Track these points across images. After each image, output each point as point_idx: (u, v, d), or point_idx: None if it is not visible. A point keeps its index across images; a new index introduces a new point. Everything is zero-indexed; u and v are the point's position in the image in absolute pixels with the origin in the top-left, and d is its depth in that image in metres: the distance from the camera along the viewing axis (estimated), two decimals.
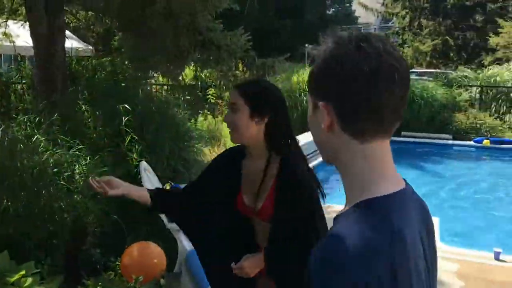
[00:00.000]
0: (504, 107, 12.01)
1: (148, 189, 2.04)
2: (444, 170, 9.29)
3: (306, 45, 31.47)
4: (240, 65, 4.54)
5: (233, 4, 5.41)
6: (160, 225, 3.88)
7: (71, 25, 9.40)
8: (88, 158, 3.82)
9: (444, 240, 4.93)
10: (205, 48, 4.24)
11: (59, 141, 3.81)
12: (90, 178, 1.84)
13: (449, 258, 4.36)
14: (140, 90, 5.53)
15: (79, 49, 9.85)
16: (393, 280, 0.76)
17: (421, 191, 7.72)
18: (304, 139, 9.48)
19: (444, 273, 4.03)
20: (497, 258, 4.37)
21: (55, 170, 3.46)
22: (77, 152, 3.80)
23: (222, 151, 2.20)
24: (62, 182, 3.43)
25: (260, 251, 1.86)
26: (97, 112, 4.71)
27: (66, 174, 3.52)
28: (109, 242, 3.66)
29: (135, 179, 4.18)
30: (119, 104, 4.70)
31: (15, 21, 8.20)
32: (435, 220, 5.34)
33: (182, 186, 4.43)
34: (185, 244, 3.74)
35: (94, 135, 4.53)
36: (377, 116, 0.86)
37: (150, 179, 4.16)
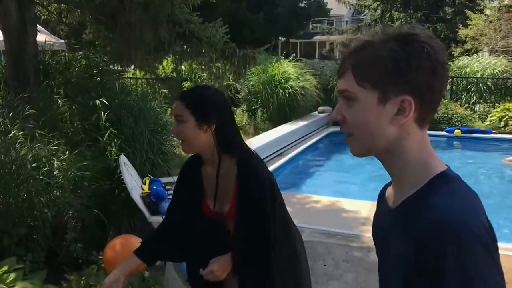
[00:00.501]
0: (474, 97, 12.31)
1: (135, 253, 2.02)
2: None
3: (280, 37, 31.50)
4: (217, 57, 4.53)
5: None
6: (141, 219, 3.88)
7: (41, 18, 9.19)
8: (67, 152, 3.77)
9: None
10: (185, 40, 4.23)
11: (36, 135, 3.75)
12: None
13: None
14: (116, 84, 5.47)
15: (51, 42, 9.65)
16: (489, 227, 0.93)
17: None
18: (282, 130, 9.48)
19: None
20: None
21: (34, 165, 3.41)
22: (55, 147, 3.75)
23: None
24: (41, 177, 3.38)
25: None
26: (74, 107, 4.64)
27: (45, 169, 3.47)
28: (91, 236, 3.64)
29: (114, 173, 4.16)
30: (96, 98, 4.65)
31: None
32: None
33: (162, 179, 4.44)
34: None
35: (72, 129, 4.47)
36: (438, 105, 0.99)
37: (130, 173, 4.15)
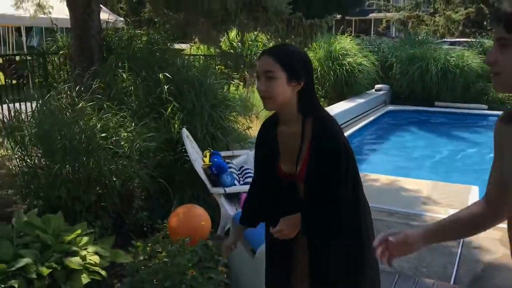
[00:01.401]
0: None
1: (240, 222, 2.20)
2: (480, 140, 9.12)
3: (335, 14, 30.92)
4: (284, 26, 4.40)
5: None
6: (203, 189, 3.95)
7: None
8: (133, 124, 3.88)
9: None
10: (251, 10, 4.18)
11: (104, 106, 3.87)
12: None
13: None
14: (178, 59, 5.55)
15: (111, 20, 9.89)
16: None
17: (458, 160, 7.67)
18: (339, 108, 9.38)
19: (487, 240, 4.01)
20: None
21: (102, 135, 3.53)
22: (122, 119, 3.86)
23: (254, 120, 2.27)
24: (110, 146, 3.50)
25: None
26: (138, 81, 4.75)
27: (113, 139, 3.58)
28: (156, 205, 3.74)
29: (178, 145, 4.24)
30: (158, 72, 4.74)
31: None
32: (475, 189, 5.28)
33: (221, 153, 4.49)
34: (227, 208, 3.81)
35: (137, 102, 4.59)
36: None
37: (192, 145, 4.22)
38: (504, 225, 4.32)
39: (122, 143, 3.70)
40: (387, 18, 35.32)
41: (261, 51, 2.11)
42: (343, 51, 10.50)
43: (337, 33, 11.65)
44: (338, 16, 31.81)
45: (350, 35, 12.03)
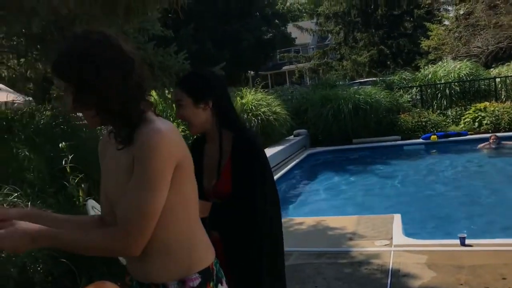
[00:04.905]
0: (445, 102, 12.42)
1: None
2: (398, 169, 9.45)
3: (249, 71, 31.82)
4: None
5: (167, 31, 5.29)
6: (118, 263, 3.65)
7: (5, 78, 8.99)
8: (29, 203, 3.56)
9: (409, 234, 4.91)
10: None
11: None
12: None
13: (417, 250, 4.33)
14: (84, 128, 5.34)
15: (17, 101, 9.47)
16: None
17: (380, 192, 7.83)
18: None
19: (414, 266, 3.99)
20: (463, 243, 4.37)
21: None
22: (14, 199, 3.54)
23: None
24: None
25: None
26: (35, 155, 4.47)
27: None
28: None
29: None
30: (62, 142, 4.50)
31: None
32: (397, 217, 5.34)
33: None
34: None
35: (39, 178, 4.28)
36: None
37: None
38: (428, 248, 4.33)
39: None
40: (299, 68, 37.02)
41: None
42: (256, 102, 10.67)
43: (246, 87, 11.84)
44: (252, 73, 32.90)
45: (262, 88, 12.33)
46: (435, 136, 10.71)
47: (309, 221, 5.69)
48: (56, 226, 1.44)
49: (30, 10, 3.40)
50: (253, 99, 10.73)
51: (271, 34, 31.24)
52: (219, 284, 1.52)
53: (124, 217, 1.33)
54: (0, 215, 1.40)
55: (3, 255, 3.07)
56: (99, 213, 4.05)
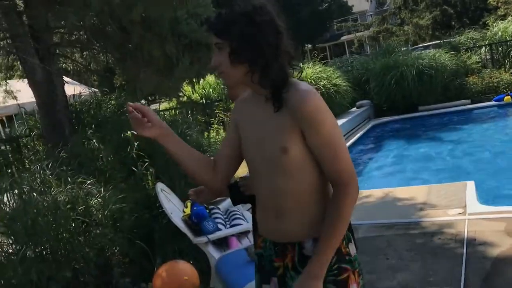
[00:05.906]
0: None
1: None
2: (469, 134, 8.99)
3: (306, 44, 31.30)
4: None
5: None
6: (187, 243, 3.76)
7: (70, 71, 9.40)
8: (102, 189, 3.73)
9: (484, 201, 4.68)
10: (193, 50, 4.12)
11: (69, 179, 3.72)
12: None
13: (493, 218, 4.12)
14: None
15: (83, 93, 9.89)
16: None
17: (451, 159, 7.50)
18: None
19: (491, 234, 3.81)
20: None
21: (68, 206, 3.37)
22: (89, 186, 3.71)
23: None
24: (77, 217, 3.33)
25: None
26: (104, 144, 4.66)
27: (80, 208, 3.42)
28: (138, 268, 3.54)
29: (156, 201, 4.08)
30: (127, 131, 4.65)
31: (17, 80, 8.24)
32: (471, 185, 5.10)
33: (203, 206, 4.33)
34: (214, 255, 3.61)
35: (109, 166, 4.47)
36: None
37: (169, 199, 4.06)
38: (506, 215, 4.10)
39: (93, 211, 3.54)
40: (358, 37, 35.93)
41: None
42: (315, 76, 10.48)
43: (305, 61, 11.65)
44: (309, 46, 32.35)
45: (320, 60, 12.07)
46: (509, 97, 10.05)
47: (377, 193, 5.56)
48: (182, 149, 1.65)
49: (83, 3, 3.51)
50: (312, 73, 10.55)
51: (326, 4, 30.49)
52: (351, 236, 1.60)
53: (341, 170, 1.48)
54: (144, 110, 1.60)
55: (80, 238, 3.25)
56: (169, 195, 4.17)
